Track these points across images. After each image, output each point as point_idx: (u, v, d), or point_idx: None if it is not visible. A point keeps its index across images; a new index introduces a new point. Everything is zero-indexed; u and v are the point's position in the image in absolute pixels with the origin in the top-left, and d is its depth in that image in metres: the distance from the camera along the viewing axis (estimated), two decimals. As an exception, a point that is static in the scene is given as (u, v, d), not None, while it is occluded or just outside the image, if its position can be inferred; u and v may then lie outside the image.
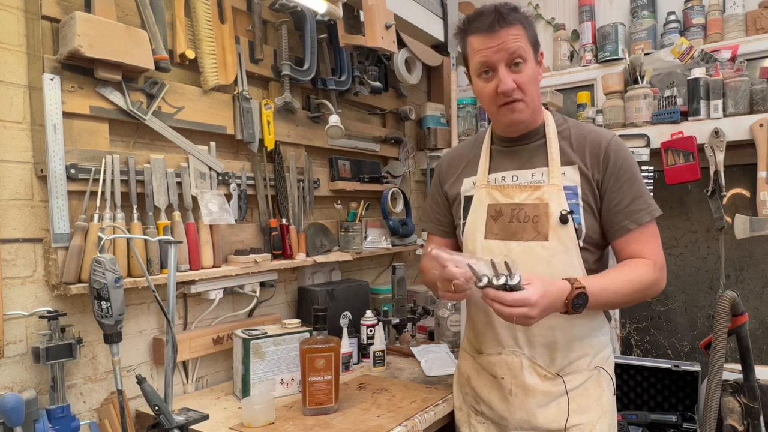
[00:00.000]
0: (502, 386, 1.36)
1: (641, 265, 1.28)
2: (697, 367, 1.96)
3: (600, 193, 1.32)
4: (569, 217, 1.28)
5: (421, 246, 2.53)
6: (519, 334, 1.33)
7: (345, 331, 1.87)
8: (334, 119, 2.01)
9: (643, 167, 2.06)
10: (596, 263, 1.36)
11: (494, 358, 1.38)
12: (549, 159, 1.34)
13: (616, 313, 2.42)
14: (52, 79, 1.32)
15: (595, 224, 1.32)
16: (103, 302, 1.24)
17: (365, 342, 1.94)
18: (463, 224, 1.43)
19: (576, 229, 1.29)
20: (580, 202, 1.31)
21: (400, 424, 1.38)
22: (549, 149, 1.34)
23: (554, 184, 1.31)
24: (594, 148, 1.32)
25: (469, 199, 1.43)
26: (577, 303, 1.18)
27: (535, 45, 1.32)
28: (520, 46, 1.26)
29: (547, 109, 1.42)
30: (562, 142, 1.35)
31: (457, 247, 1.50)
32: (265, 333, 1.59)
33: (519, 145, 1.39)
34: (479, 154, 1.45)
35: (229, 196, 1.77)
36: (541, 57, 1.35)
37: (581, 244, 1.30)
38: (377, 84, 2.28)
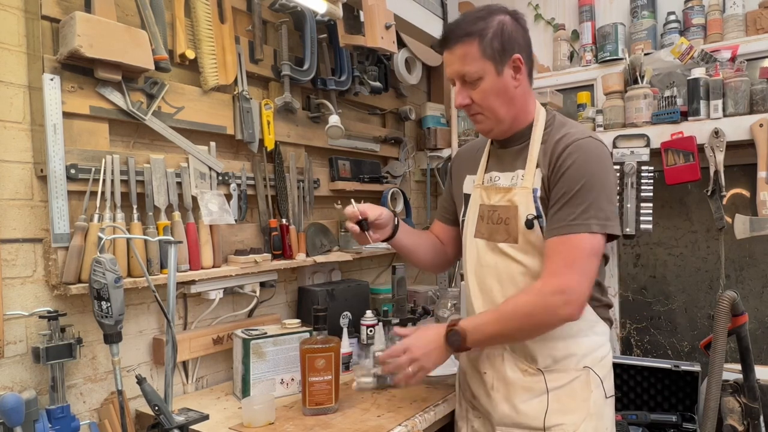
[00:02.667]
0: (485, 381, 1.38)
1: (524, 292, 1.24)
2: (697, 367, 1.96)
3: (547, 194, 1.28)
4: (535, 221, 1.27)
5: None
6: None
7: (345, 331, 1.88)
8: (334, 119, 2.01)
9: (643, 167, 2.06)
10: None
11: (477, 353, 1.41)
12: (527, 161, 1.32)
13: (616, 313, 2.42)
14: (52, 79, 1.32)
15: None
16: (103, 302, 1.24)
17: (365, 342, 1.94)
18: (463, 221, 1.48)
19: (543, 235, 1.27)
20: (540, 204, 1.28)
21: (400, 424, 1.38)
22: (529, 152, 1.33)
23: (525, 186, 1.30)
24: (556, 148, 1.28)
25: (468, 197, 1.47)
26: (451, 340, 1.27)
27: (502, 55, 1.27)
28: (466, 68, 1.28)
29: (546, 108, 1.42)
30: (543, 144, 1.32)
31: (455, 235, 1.59)
32: (265, 333, 1.59)
33: (505, 148, 1.40)
34: (483, 153, 1.47)
35: (229, 196, 1.77)
36: (518, 62, 1.29)
37: None
38: (377, 84, 2.28)
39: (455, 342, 1.26)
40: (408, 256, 1.60)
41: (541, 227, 1.27)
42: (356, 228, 1.44)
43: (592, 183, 1.21)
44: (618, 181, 2.03)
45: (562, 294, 1.18)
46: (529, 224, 1.28)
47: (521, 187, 1.31)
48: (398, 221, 1.54)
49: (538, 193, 1.29)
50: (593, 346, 1.35)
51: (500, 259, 1.34)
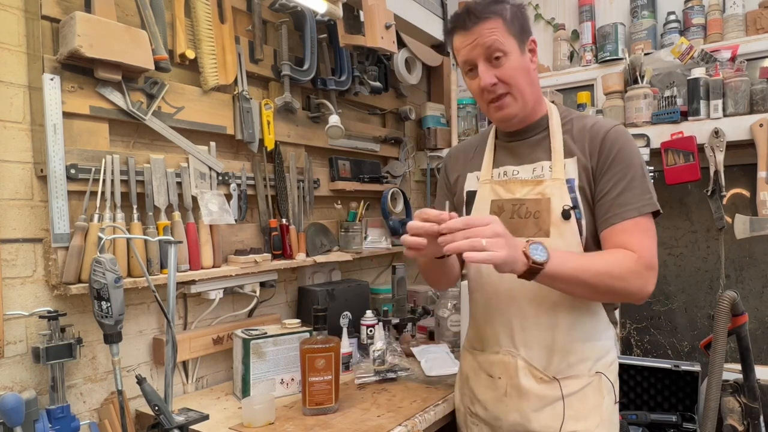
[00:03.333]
0: (498, 387, 1.34)
1: (622, 253, 1.19)
2: (697, 367, 1.96)
3: (594, 181, 1.27)
4: (571, 212, 1.25)
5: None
6: (516, 335, 1.31)
7: (345, 331, 1.88)
8: (334, 119, 2.01)
9: (643, 167, 2.07)
10: None
11: (492, 357, 1.36)
12: (552, 152, 1.30)
13: (616, 313, 2.42)
14: (52, 79, 1.32)
15: (593, 220, 1.27)
16: (103, 302, 1.24)
17: (365, 342, 1.94)
18: None
19: (579, 225, 1.25)
20: (578, 194, 1.26)
21: (400, 424, 1.37)
22: (552, 142, 1.31)
23: (557, 178, 1.27)
24: (594, 136, 1.27)
25: (472, 195, 1.41)
26: (534, 249, 1.09)
27: (522, 34, 1.27)
28: (496, 40, 1.24)
29: (552, 102, 1.40)
30: (565, 135, 1.31)
31: None
32: (265, 333, 1.59)
33: (520, 140, 1.37)
34: (484, 149, 1.44)
35: (229, 196, 1.77)
36: (533, 45, 1.30)
37: (584, 241, 1.26)
38: (377, 84, 2.28)
39: (538, 254, 1.09)
40: (443, 275, 1.43)
41: (577, 218, 1.25)
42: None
43: (640, 167, 1.25)
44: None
45: (653, 271, 1.19)
46: (566, 215, 1.25)
47: (553, 178, 1.28)
48: None
49: (575, 183, 1.27)
50: (604, 350, 1.33)
51: None
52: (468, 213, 1.41)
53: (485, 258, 1.02)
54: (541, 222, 1.28)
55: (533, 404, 1.29)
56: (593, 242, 1.27)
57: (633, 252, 1.19)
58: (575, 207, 1.25)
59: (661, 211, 1.26)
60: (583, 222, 1.26)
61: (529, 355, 1.30)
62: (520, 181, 1.34)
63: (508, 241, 1.07)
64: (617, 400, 1.35)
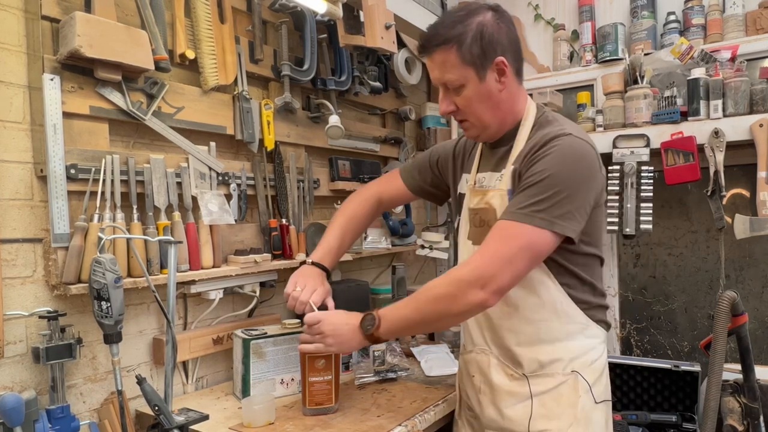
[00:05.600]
0: (474, 384, 1.38)
1: (442, 277, 1.21)
2: (697, 367, 1.96)
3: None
4: None
5: (421, 246, 2.53)
6: (485, 333, 1.35)
7: (345, 331, 1.87)
8: (334, 119, 2.01)
9: (643, 167, 2.06)
10: (568, 272, 1.27)
11: (468, 356, 1.42)
12: (507, 163, 1.29)
13: (616, 314, 2.42)
14: (52, 79, 1.32)
15: None
16: (103, 302, 1.24)
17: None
18: (457, 224, 1.46)
19: None
20: None
21: (400, 424, 1.37)
22: (512, 152, 1.29)
23: (500, 188, 1.27)
24: (536, 144, 1.22)
25: (462, 198, 1.45)
26: (365, 323, 1.27)
27: (483, 59, 1.21)
28: (446, 74, 1.24)
29: (539, 106, 1.37)
30: (526, 144, 1.27)
31: (405, 197, 1.66)
32: (265, 333, 1.59)
33: (493, 148, 1.38)
34: (476, 152, 1.46)
35: (229, 196, 1.77)
36: (501, 65, 1.22)
37: None
38: (377, 84, 2.28)
39: (369, 326, 1.25)
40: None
41: None
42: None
43: (558, 179, 1.14)
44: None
45: (478, 281, 1.14)
46: None
47: (497, 188, 1.28)
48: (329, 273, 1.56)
49: (511, 193, 1.25)
50: (583, 350, 1.30)
51: None
52: (459, 213, 1.46)
53: (318, 351, 1.34)
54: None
55: (505, 401, 1.32)
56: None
57: (468, 264, 1.17)
58: None
59: (572, 236, 1.16)
60: None
61: (501, 353, 1.34)
62: (477, 190, 1.36)
63: (337, 329, 1.31)
64: (599, 399, 1.32)
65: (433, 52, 1.24)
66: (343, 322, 1.31)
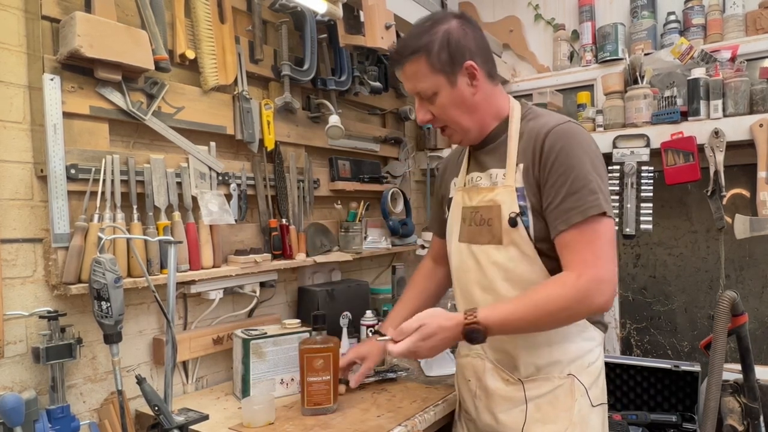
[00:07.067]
0: (470, 388, 1.38)
1: (556, 283, 1.17)
2: (697, 367, 1.96)
3: (539, 189, 1.23)
4: (517, 219, 1.23)
5: (421, 246, 2.53)
6: None
7: (345, 331, 1.88)
8: (334, 119, 2.01)
9: (643, 167, 2.06)
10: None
11: (463, 360, 1.42)
12: (507, 158, 1.28)
13: (616, 313, 2.42)
14: (52, 79, 1.32)
15: (544, 227, 1.23)
16: (103, 302, 1.24)
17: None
18: (447, 226, 1.46)
19: (528, 232, 1.23)
20: (527, 203, 1.24)
21: (400, 424, 1.37)
22: (507, 148, 1.29)
23: (507, 185, 1.26)
24: (536, 140, 1.22)
25: (449, 201, 1.46)
26: (472, 337, 1.17)
27: (452, 65, 1.23)
28: (418, 84, 1.27)
29: (521, 102, 1.38)
30: (520, 139, 1.28)
31: None
32: (265, 333, 1.59)
33: (480, 149, 1.38)
34: (463, 157, 1.46)
35: (229, 196, 1.77)
36: (471, 69, 1.24)
37: (537, 249, 1.24)
38: (377, 84, 2.28)
39: (477, 339, 1.17)
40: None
41: (525, 225, 1.24)
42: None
43: (585, 166, 1.17)
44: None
45: (600, 284, 1.13)
46: (513, 222, 1.23)
47: (503, 185, 1.27)
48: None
49: (524, 191, 1.24)
50: (580, 352, 1.30)
51: (481, 264, 1.31)
52: (448, 219, 1.46)
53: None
54: (494, 229, 1.28)
55: (501, 405, 1.31)
56: (549, 248, 1.24)
57: (571, 272, 1.16)
58: (522, 214, 1.24)
59: (609, 214, 1.18)
60: (531, 229, 1.24)
61: (496, 357, 1.33)
62: (477, 189, 1.35)
63: (438, 343, 1.20)
64: (596, 402, 1.30)
65: (404, 63, 1.27)
66: (447, 330, 1.21)
